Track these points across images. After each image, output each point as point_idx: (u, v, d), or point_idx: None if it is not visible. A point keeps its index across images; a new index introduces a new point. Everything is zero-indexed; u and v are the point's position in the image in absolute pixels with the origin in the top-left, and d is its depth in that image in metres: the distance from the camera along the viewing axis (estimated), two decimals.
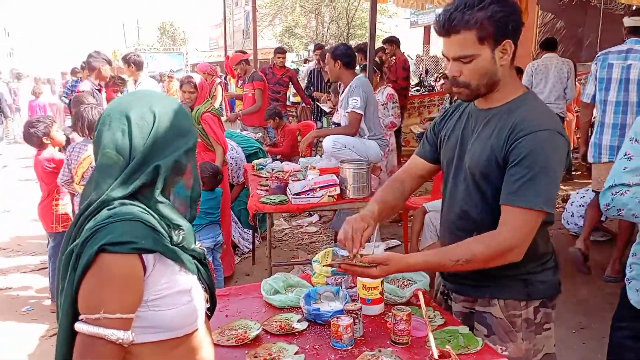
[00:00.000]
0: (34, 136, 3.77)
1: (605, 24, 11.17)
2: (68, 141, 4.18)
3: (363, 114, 3.92)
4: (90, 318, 1.04)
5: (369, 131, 4.03)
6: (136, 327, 1.10)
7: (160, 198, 1.15)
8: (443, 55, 1.57)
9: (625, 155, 1.81)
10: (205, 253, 1.31)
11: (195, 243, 1.25)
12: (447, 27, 1.48)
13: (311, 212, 5.50)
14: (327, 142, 3.87)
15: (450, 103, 7.33)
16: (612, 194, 1.78)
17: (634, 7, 5.85)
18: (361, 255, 1.57)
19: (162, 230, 1.13)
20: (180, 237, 1.16)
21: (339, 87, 4.48)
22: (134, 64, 5.54)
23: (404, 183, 1.86)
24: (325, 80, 7.02)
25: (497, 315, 1.63)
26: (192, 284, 1.19)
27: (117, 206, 1.10)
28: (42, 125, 3.79)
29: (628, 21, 4.07)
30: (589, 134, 4.37)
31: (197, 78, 4.39)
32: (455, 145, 1.68)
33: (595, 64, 4.09)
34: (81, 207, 1.16)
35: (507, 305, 1.62)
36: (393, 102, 5.30)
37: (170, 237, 1.14)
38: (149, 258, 1.10)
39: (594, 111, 4.35)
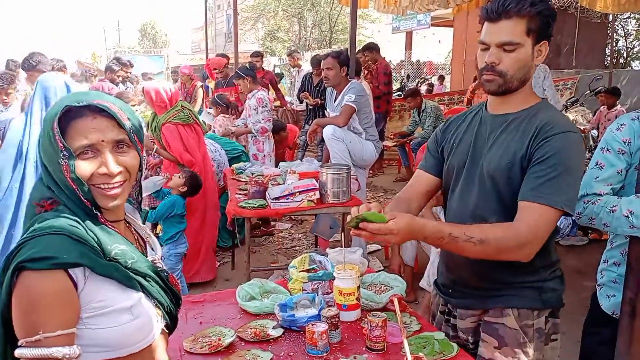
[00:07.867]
0: None
1: (582, 32, 11.38)
2: None
3: (356, 108, 4.10)
4: (29, 341, 0.98)
5: (365, 132, 4.24)
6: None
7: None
8: (480, 42, 1.54)
9: (597, 164, 1.83)
10: (162, 267, 1.22)
11: (143, 260, 1.16)
12: (499, 10, 1.48)
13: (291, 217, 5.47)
14: (328, 130, 4.08)
15: (419, 115, 7.37)
16: (584, 202, 1.80)
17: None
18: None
19: (94, 244, 1.05)
20: (116, 251, 1.07)
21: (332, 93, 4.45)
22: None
23: (410, 202, 1.73)
24: (315, 84, 6.97)
25: (510, 326, 1.58)
26: (133, 302, 1.11)
27: (48, 218, 1.05)
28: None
29: None
30: None
31: (151, 90, 4.02)
32: (467, 150, 1.63)
33: None
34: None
35: (521, 315, 1.58)
36: (263, 107, 5.10)
37: (104, 251, 1.06)
38: (76, 273, 1.02)
39: None
